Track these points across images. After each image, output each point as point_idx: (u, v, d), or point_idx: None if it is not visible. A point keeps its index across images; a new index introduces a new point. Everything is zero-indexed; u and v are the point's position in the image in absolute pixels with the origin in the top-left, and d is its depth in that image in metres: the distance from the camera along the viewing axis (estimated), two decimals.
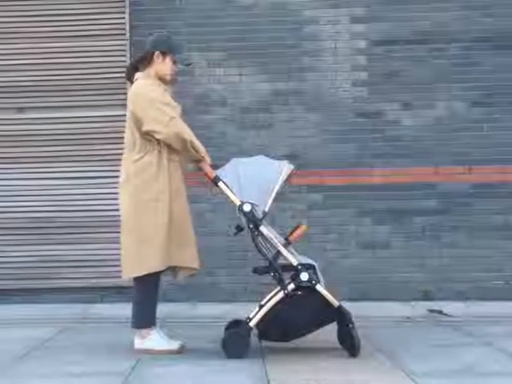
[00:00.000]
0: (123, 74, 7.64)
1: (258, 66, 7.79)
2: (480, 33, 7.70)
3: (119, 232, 7.74)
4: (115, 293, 7.63)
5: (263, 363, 4.90)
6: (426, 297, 7.50)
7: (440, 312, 6.91)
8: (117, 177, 7.61)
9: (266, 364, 4.88)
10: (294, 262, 5.03)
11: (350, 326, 5.03)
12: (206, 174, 5.28)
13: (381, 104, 7.74)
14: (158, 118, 5.20)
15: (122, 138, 7.64)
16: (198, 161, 5.32)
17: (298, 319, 5.07)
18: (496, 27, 7.69)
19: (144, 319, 5.28)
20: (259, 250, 5.03)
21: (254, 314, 5.08)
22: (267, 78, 7.79)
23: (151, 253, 5.19)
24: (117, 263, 7.60)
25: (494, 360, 5.02)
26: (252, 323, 5.05)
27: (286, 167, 5.17)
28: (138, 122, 5.27)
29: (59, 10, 7.83)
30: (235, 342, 5.05)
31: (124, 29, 7.83)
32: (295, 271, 5.01)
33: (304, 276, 4.97)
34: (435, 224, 7.63)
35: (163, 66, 5.40)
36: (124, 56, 7.80)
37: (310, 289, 5.00)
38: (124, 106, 7.68)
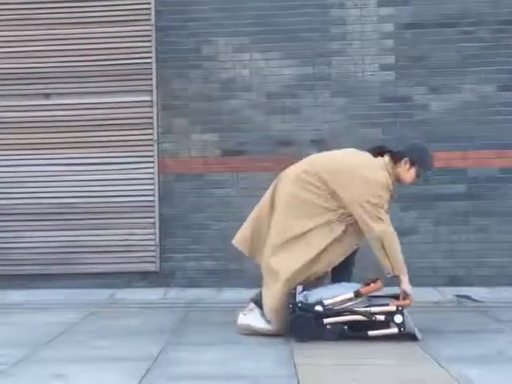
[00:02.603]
0: (149, 60, 7.77)
1: (283, 50, 7.75)
2: (509, 15, 7.60)
3: (144, 217, 7.82)
4: (140, 278, 7.67)
5: (290, 347, 4.89)
6: (455, 282, 7.43)
7: (468, 297, 6.85)
8: (143, 162, 7.74)
9: (292, 348, 4.87)
10: (392, 307, 5.05)
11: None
12: (403, 295, 5.17)
13: (408, 88, 7.66)
14: (372, 210, 5.08)
15: (149, 123, 7.76)
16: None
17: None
18: None
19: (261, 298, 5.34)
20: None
21: (333, 314, 5.06)
22: (293, 62, 7.74)
23: None
24: (143, 249, 7.69)
25: None
26: (327, 321, 5.04)
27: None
28: (334, 193, 5.17)
29: None
30: (305, 326, 5.06)
31: (149, 14, 7.81)
32: (394, 311, 5.03)
33: (398, 318, 5.02)
34: (464, 209, 7.56)
35: (406, 174, 5.29)
36: (149, 41, 7.79)
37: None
38: (150, 91, 7.76)
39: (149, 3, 7.82)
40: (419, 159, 5.30)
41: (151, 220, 7.72)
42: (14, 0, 7.90)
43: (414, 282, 7.30)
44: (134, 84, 7.81)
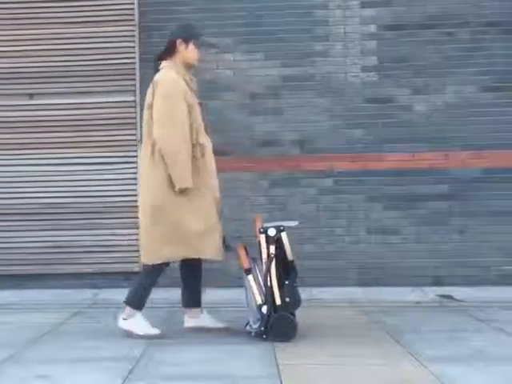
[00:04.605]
0: (132, 60, 7.76)
1: (267, 51, 7.75)
2: (491, 17, 7.65)
3: (130, 217, 7.79)
4: (124, 278, 7.63)
5: (273, 347, 4.91)
6: (437, 282, 7.48)
7: (450, 297, 6.90)
8: (127, 162, 7.74)
9: (275, 348, 4.88)
10: (261, 238, 5.21)
11: (295, 284, 5.19)
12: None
13: (391, 89, 7.69)
14: (160, 118, 5.22)
15: (132, 123, 7.76)
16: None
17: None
18: (507, 11, 7.62)
19: (138, 300, 5.40)
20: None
21: (270, 296, 5.11)
22: (276, 63, 7.75)
23: None
24: (126, 249, 7.69)
25: (505, 345, 5.01)
26: (278, 301, 5.10)
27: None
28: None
29: None
30: (284, 325, 5.12)
31: (133, 14, 7.79)
32: (264, 236, 5.19)
33: (272, 231, 5.17)
34: (446, 209, 7.60)
35: (188, 53, 5.39)
36: (133, 42, 7.78)
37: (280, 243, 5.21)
38: (133, 91, 7.76)
39: (132, 3, 7.80)
40: (186, 33, 5.42)
41: (134, 220, 7.71)
42: None
43: (396, 281, 7.42)
44: (117, 84, 7.78)
